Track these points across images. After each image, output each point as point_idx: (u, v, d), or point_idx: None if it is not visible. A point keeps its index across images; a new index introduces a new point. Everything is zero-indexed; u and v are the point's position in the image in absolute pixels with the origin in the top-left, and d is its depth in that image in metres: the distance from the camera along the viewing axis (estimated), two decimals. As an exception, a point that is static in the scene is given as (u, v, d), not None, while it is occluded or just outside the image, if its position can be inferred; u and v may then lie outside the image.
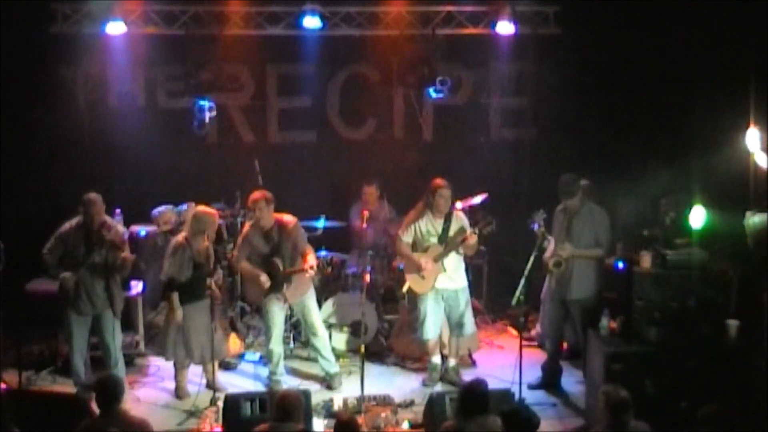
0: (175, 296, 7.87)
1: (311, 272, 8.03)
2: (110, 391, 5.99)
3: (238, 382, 8.45)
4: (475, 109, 10.83)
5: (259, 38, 10.17)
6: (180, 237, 7.99)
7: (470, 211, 9.00)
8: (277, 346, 8.27)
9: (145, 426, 6.01)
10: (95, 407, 6.08)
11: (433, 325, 8.31)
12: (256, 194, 8.15)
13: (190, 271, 7.85)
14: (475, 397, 5.99)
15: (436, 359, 8.46)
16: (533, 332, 9.26)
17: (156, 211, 9.50)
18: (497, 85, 10.79)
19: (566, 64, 10.18)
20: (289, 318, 8.78)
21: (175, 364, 8.09)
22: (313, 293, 8.37)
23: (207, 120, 9.74)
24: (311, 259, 8.10)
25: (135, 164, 10.15)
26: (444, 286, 8.26)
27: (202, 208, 8.15)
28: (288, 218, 8.22)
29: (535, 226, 7.81)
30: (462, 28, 10.13)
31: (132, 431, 5.91)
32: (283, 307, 8.27)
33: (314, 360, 8.74)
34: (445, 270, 8.20)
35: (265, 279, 8.06)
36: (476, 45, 10.34)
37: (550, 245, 8.04)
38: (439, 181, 8.17)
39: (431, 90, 9.97)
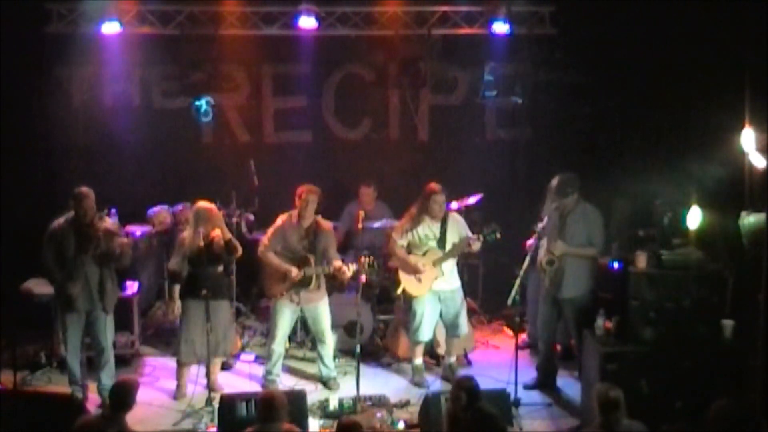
0: (176, 288, 7.93)
1: (348, 274, 8.02)
2: (119, 398, 6.02)
3: (234, 382, 8.43)
4: (471, 109, 10.82)
5: (254, 38, 10.17)
6: (184, 233, 8.05)
7: (466, 212, 9.01)
8: (279, 346, 8.24)
9: None
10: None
11: (428, 328, 8.32)
12: (309, 187, 8.07)
13: (184, 267, 7.85)
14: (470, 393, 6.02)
15: (419, 361, 8.47)
16: (522, 336, 9.21)
17: (151, 211, 9.51)
18: (493, 85, 10.78)
19: (561, 64, 10.18)
20: (298, 320, 8.71)
21: (178, 362, 8.07)
22: (326, 300, 8.32)
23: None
24: (342, 264, 8.06)
25: (130, 164, 10.16)
26: (441, 287, 8.27)
27: (200, 203, 8.08)
28: (325, 221, 8.25)
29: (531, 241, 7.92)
30: (457, 28, 10.14)
31: None
32: (294, 309, 8.23)
33: (310, 360, 8.75)
34: (443, 273, 8.23)
35: (296, 273, 7.99)
36: (472, 45, 10.34)
37: (543, 244, 8.05)
38: (434, 185, 8.16)
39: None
